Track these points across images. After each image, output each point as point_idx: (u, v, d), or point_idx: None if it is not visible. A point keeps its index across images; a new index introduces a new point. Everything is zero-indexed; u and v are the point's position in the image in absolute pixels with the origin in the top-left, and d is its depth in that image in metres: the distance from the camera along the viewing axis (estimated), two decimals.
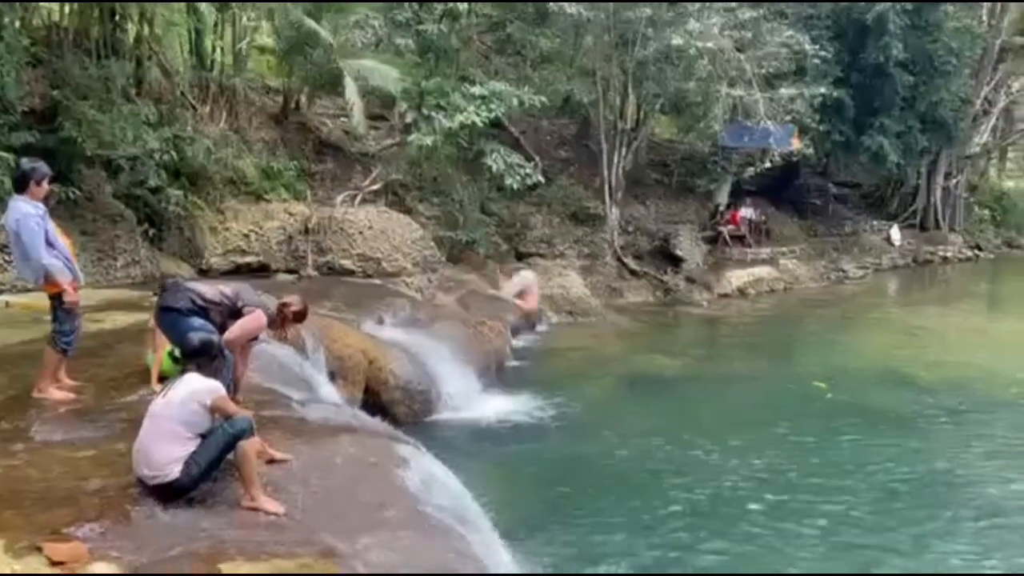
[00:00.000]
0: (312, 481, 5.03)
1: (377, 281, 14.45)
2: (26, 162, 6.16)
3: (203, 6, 15.41)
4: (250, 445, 4.53)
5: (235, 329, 5.69)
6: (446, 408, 10.67)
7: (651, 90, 20.75)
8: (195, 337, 4.92)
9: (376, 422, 7.05)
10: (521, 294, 13.25)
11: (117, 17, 14.48)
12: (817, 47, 20.71)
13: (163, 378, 5.99)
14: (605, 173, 20.59)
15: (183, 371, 4.75)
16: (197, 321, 5.55)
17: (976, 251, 32.05)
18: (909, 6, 24.06)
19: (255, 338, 6.06)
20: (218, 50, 17.76)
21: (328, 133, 19.36)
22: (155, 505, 4.39)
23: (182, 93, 15.79)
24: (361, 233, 15.00)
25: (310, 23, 15.78)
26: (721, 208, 24.43)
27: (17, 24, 12.29)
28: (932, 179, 30.60)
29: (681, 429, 10.45)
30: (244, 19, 17.49)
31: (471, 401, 11.02)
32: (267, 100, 18.97)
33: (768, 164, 21.58)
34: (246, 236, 14.91)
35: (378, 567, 4.16)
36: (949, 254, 30.60)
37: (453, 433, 10.03)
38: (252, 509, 4.51)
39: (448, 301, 14.78)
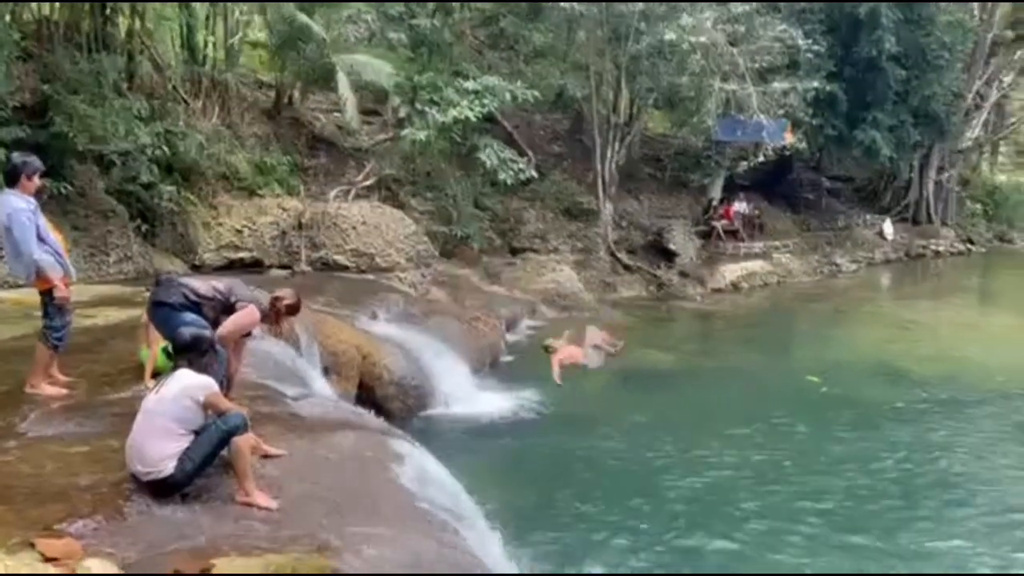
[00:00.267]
0: (306, 476, 5.02)
1: (371, 276, 14.43)
2: (17, 156, 6.12)
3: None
4: (244, 441, 4.52)
5: (228, 324, 5.68)
6: (440, 403, 10.66)
7: (644, 85, 20.72)
8: (186, 331, 4.91)
9: (370, 417, 7.05)
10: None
11: (108, 11, 14.40)
12: (810, 41, 20.69)
13: (157, 374, 5.98)
14: (598, 168, 20.59)
15: (175, 367, 4.74)
16: (189, 316, 5.54)
17: (968, 245, 32.13)
18: None
19: (248, 334, 6.05)
20: (210, 45, 17.67)
21: (321, 128, 19.31)
22: (149, 501, 4.38)
23: (174, 88, 15.71)
24: (354, 228, 14.96)
25: (303, 18, 15.72)
26: (714, 202, 24.46)
27: (7, 18, 12.21)
28: (924, 173, 30.67)
29: (675, 423, 10.49)
30: (236, 13, 17.43)
31: (465, 396, 11.01)
32: (260, 95, 18.90)
33: (761, 158, 21.56)
34: (239, 232, 14.86)
35: (372, 562, 4.16)
36: (941, 248, 30.68)
37: (447, 428, 10.04)
38: (246, 504, 4.51)
39: (442, 296, 14.78)
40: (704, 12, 18.78)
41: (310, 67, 17.19)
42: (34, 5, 13.82)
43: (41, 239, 5.93)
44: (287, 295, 6.04)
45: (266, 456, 5.05)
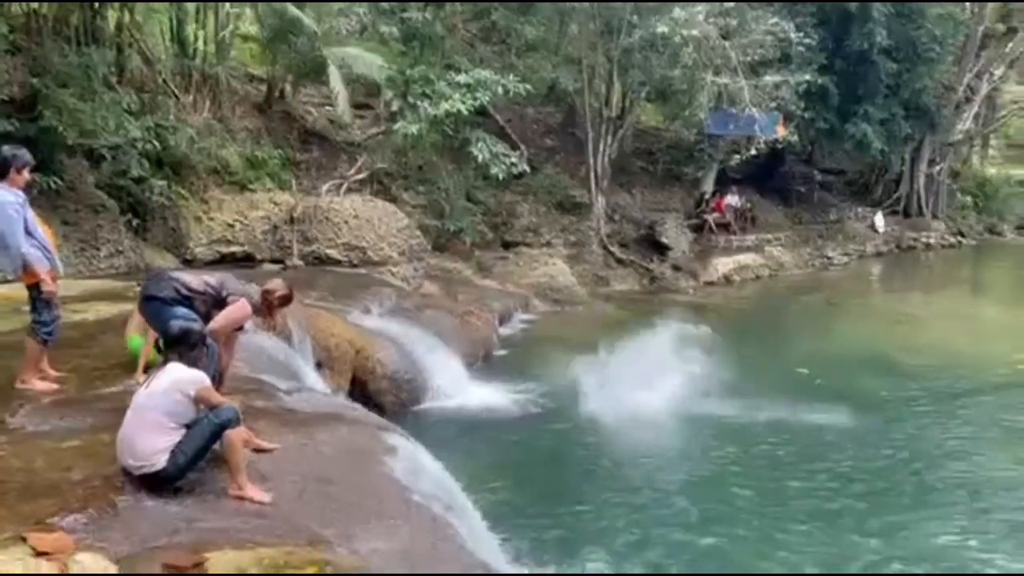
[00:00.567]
0: (299, 470, 5.02)
1: (363, 270, 14.40)
2: (7, 149, 6.05)
3: None
4: (236, 434, 4.51)
5: (220, 319, 5.67)
6: (433, 397, 10.66)
7: (636, 78, 20.72)
8: (175, 325, 4.89)
9: (363, 411, 7.03)
10: None
11: (97, 5, 14.29)
12: (801, 34, 20.73)
13: (148, 369, 5.95)
14: (591, 161, 20.59)
15: (165, 360, 4.73)
16: (180, 310, 5.52)
17: (959, 237, 32.29)
18: None
19: (240, 328, 6.04)
20: (200, 38, 17.55)
21: (313, 122, 19.24)
22: (141, 495, 4.37)
23: (164, 81, 15.63)
24: (347, 222, 14.93)
25: (294, 11, 15.66)
26: (707, 196, 24.49)
27: None
28: (915, 166, 30.79)
29: (667, 415, 10.48)
30: (227, 7, 17.32)
31: (458, 390, 11.00)
32: (251, 88, 18.82)
33: (753, 152, 21.58)
34: (231, 226, 14.82)
35: (364, 555, 4.16)
36: (932, 240, 30.82)
37: (440, 422, 10.04)
38: (239, 498, 4.50)
39: (434, 290, 14.76)
40: (696, 6, 18.78)
41: (301, 60, 17.14)
42: None
43: (29, 233, 5.88)
44: (278, 286, 6.03)
45: (259, 450, 5.03)
